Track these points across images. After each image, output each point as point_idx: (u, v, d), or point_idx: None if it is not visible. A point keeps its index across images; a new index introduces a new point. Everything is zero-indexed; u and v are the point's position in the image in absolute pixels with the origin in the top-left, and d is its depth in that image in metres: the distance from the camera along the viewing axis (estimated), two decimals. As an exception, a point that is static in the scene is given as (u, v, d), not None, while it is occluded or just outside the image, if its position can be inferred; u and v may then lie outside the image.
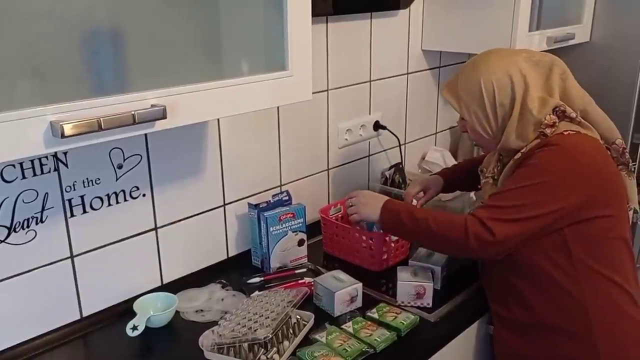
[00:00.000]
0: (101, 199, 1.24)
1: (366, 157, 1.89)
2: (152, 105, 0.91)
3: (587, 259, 1.18)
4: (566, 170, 1.15)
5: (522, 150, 1.21)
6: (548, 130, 1.19)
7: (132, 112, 0.87)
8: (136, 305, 1.26)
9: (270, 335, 1.12)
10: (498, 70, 1.22)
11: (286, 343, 1.16)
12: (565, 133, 1.18)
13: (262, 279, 1.44)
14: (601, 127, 1.25)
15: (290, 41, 1.09)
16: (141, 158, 1.29)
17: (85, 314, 1.27)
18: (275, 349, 1.13)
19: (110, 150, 1.23)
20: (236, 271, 1.49)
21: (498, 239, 1.14)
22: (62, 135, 0.80)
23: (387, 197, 1.36)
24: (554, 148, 1.16)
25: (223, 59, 1.05)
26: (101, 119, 0.84)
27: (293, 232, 1.50)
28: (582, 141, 1.18)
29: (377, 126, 1.87)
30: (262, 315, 1.18)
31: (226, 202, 1.50)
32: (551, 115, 1.20)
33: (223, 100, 1.02)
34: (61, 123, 0.80)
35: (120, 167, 1.26)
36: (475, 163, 1.50)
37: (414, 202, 1.52)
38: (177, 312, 1.29)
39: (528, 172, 1.17)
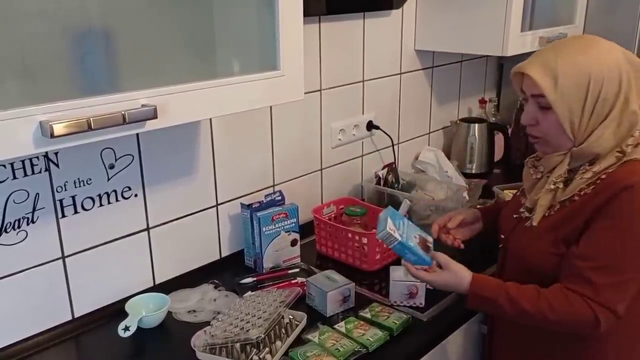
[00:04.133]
0: (93, 199, 1.24)
1: (359, 157, 1.89)
2: (143, 105, 0.91)
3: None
4: None
5: (594, 169, 1.10)
6: (629, 149, 1.09)
7: (122, 112, 0.87)
8: (128, 306, 1.26)
9: (263, 336, 1.12)
10: (609, 62, 1.07)
11: (278, 343, 1.16)
12: None
13: (255, 279, 1.44)
14: None
15: (281, 41, 1.09)
16: (133, 158, 1.29)
17: (77, 315, 1.26)
18: (267, 349, 1.13)
19: (102, 151, 1.23)
20: (229, 271, 1.49)
21: (620, 317, 1.08)
22: (52, 135, 0.80)
23: (468, 274, 1.17)
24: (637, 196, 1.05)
25: (214, 59, 1.05)
26: (91, 118, 0.83)
27: (286, 232, 1.50)
28: None
29: (370, 126, 1.87)
30: (255, 316, 1.18)
31: (219, 202, 1.50)
32: (638, 133, 1.09)
33: (214, 100, 1.02)
34: (51, 123, 0.80)
35: (111, 167, 1.25)
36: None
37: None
38: (169, 313, 1.29)
39: (629, 231, 1.06)
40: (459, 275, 1.17)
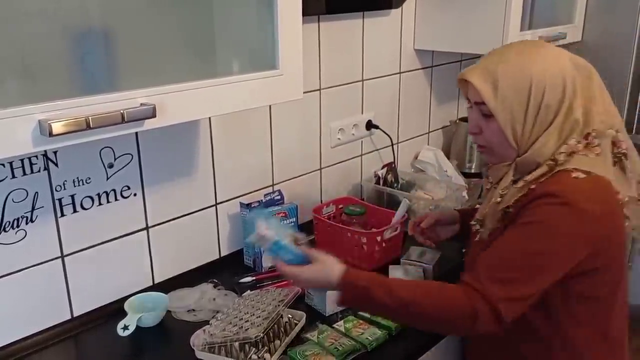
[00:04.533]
0: (92, 198, 1.24)
1: (359, 156, 1.89)
2: (142, 104, 0.91)
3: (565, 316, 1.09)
4: (576, 234, 1.00)
5: (526, 178, 1.06)
6: (561, 157, 1.04)
7: (121, 111, 0.87)
8: (127, 305, 1.26)
9: (262, 335, 1.12)
10: (553, 68, 1.04)
11: (277, 342, 1.16)
12: (573, 176, 1.02)
13: (254, 278, 1.44)
14: (632, 157, 1.10)
15: (280, 40, 1.09)
16: (132, 157, 1.29)
17: (76, 314, 1.26)
18: (266, 348, 1.13)
19: (101, 150, 1.23)
20: (228, 271, 1.49)
21: (506, 322, 0.99)
22: (51, 134, 0.80)
23: (340, 266, 1.08)
24: (561, 208, 0.99)
25: (213, 58, 1.05)
26: (89, 117, 0.83)
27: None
28: (592, 194, 1.01)
29: (370, 126, 1.87)
30: (254, 315, 1.18)
31: (218, 201, 1.50)
32: (574, 142, 1.05)
33: (213, 99, 1.02)
34: (49, 122, 0.80)
35: (111, 166, 1.25)
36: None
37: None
38: (168, 312, 1.29)
39: (533, 235, 1.01)
40: (329, 264, 1.08)
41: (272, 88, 1.11)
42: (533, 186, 1.05)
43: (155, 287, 1.38)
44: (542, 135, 1.06)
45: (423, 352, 1.22)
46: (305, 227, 1.61)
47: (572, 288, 1.06)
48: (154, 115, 0.91)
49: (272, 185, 1.63)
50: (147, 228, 1.35)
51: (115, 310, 1.28)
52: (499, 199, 1.10)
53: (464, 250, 1.23)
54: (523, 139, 1.07)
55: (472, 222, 1.18)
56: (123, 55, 0.92)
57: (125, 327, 1.19)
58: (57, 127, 0.81)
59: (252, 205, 1.48)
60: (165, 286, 1.38)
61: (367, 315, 1.26)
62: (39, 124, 0.81)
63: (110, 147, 1.24)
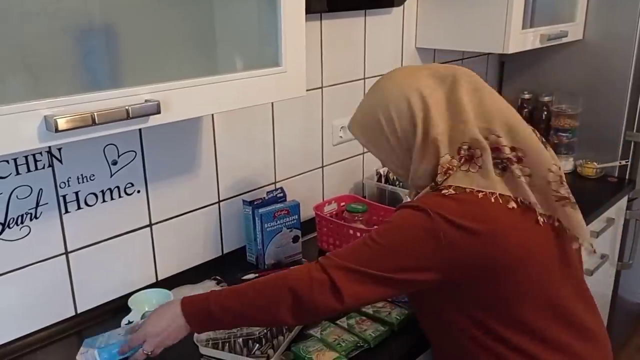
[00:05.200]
0: (96, 195, 1.24)
1: (360, 154, 1.89)
2: (146, 101, 0.91)
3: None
4: (422, 234, 0.96)
5: (414, 198, 1.05)
6: (440, 179, 1.00)
7: (126, 107, 0.88)
8: (131, 301, 1.26)
9: (265, 331, 1.13)
10: (395, 94, 1.03)
11: (281, 338, 1.16)
12: (442, 192, 0.98)
13: (257, 275, 1.45)
14: (531, 154, 1.00)
15: (284, 37, 1.10)
16: (135, 154, 1.29)
17: (80, 310, 1.27)
18: (269, 344, 1.14)
19: (105, 147, 1.23)
20: (231, 268, 1.49)
21: (342, 292, 0.96)
22: (56, 130, 0.81)
23: (175, 301, 1.04)
24: (412, 210, 0.98)
25: (217, 55, 1.06)
26: (95, 113, 0.84)
27: (288, 228, 1.51)
28: (455, 209, 0.96)
29: (372, 123, 1.87)
30: (257, 311, 1.18)
31: (221, 198, 1.50)
32: (450, 158, 0.99)
33: (217, 95, 1.03)
34: (55, 117, 0.81)
35: (114, 163, 1.26)
36: None
37: None
38: (172, 308, 1.30)
39: (378, 229, 1.01)
40: (167, 303, 1.06)
41: (275, 85, 1.12)
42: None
43: (158, 284, 1.38)
44: (412, 158, 1.04)
45: (426, 348, 1.22)
46: (308, 225, 1.62)
47: (466, 300, 1.02)
48: (158, 112, 0.92)
49: (275, 182, 1.63)
50: (150, 225, 1.36)
51: (119, 306, 1.28)
52: None
53: None
54: (406, 164, 1.07)
55: None
56: (127, 52, 0.92)
57: (130, 323, 1.19)
58: (62, 123, 0.81)
59: (255, 203, 1.49)
60: (169, 283, 1.39)
61: (370, 311, 1.26)
62: (45, 120, 0.81)
63: (114, 144, 1.25)
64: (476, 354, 1.05)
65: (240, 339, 1.13)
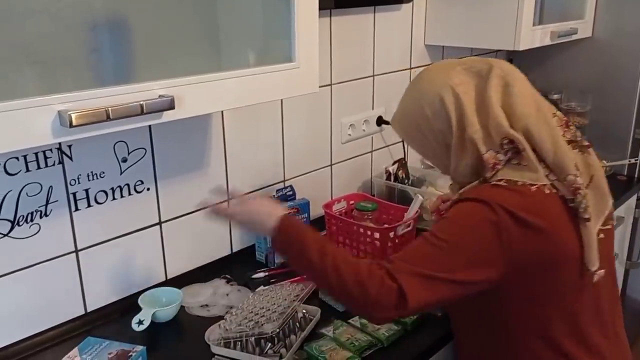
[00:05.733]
0: (106, 192, 1.23)
1: (369, 152, 1.88)
2: (160, 96, 0.90)
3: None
4: (483, 225, 0.95)
5: (460, 192, 1.04)
6: (488, 174, 0.99)
7: (141, 103, 0.86)
8: (141, 300, 1.25)
9: (278, 330, 1.11)
10: (429, 93, 1.03)
11: (293, 337, 1.15)
12: (492, 183, 0.98)
13: (267, 274, 1.44)
14: (549, 158, 0.99)
15: (297, 33, 1.09)
16: (145, 152, 1.28)
17: (89, 309, 1.26)
18: (282, 343, 1.13)
19: (115, 144, 1.22)
20: (240, 266, 1.48)
21: (408, 298, 0.92)
22: (71, 125, 0.80)
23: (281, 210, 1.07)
24: (472, 203, 0.97)
25: (230, 50, 1.05)
26: (109, 108, 0.83)
27: (297, 227, 1.49)
28: (510, 199, 0.95)
29: (380, 121, 1.86)
30: (269, 310, 1.17)
31: (230, 197, 1.48)
32: (494, 153, 0.99)
33: (230, 91, 1.01)
34: (69, 112, 0.79)
35: (124, 160, 1.25)
36: None
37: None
38: (182, 307, 1.29)
39: (441, 226, 0.99)
40: (271, 204, 1.08)
41: (288, 81, 1.10)
42: (455, 197, 1.04)
43: (167, 283, 1.37)
44: (451, 155, 1.04)
45: (440, 348, 1.21)
46: (316, 223, 1.61)
47: (506, 291, 1.00)
48: (172, 107, 0.91)
49: (284, 181, 1.62)
50: (160, 223, 1.35)
51: (128, 305, 1.27)
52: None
53: None
54: (445, 165, 1.08)
55: None
56: (140, 46, 0.91)
57: (140, 322, 1.18)
58: (77, 118, 0.80)
59: (265, 201, 1.47)
60: (178, 282, 1.37)
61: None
62: (59, 115, 0.80)
63: (124, 142, 1.23)
64: (517, 354, 1.04)
65: (253, 338, 1.12)
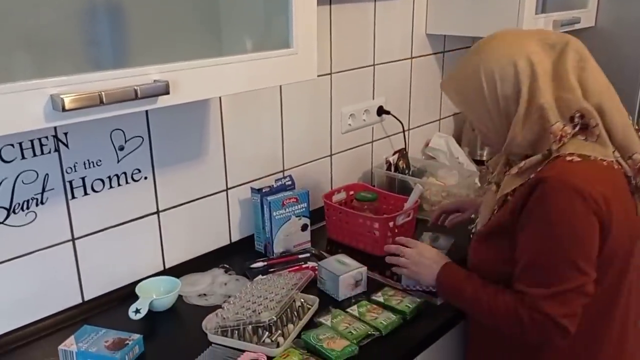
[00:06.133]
0: (102, 181, 1.22)
1: (369, 142, 1.87)
2: (155, 81, 0.89)
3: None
4: (585, 215, 0.96)
5: (520, 165, 1.04)
6: (555, 146, 1.00)
7: (135, 87, 0.85)
8: (139, 289, 1.24)
9: (275, 318, 1.11)
10: (502, 57, 1.02)
11: (291, 326, 1.14)
12: (567, 159, 0.99)
13: (266, 263, 1.43)
14: (618, 136, 1.01)
15: (295, 18, 1.07)
16: (142, 140, 1.27)
17: (87, 298, 1.25)
18: (279, 332, 1.12)
19: (112, 132, 1.21)
20: (239, 256, 1.47)
21: (561, 322, 0.97)
22: (63, 109, 0.78)
23: (445, 258, 1.18)
24: (561, 193, 0.96)
25: (227, 35, 1.03)
26: (103, 92, 0.82)
27: (296, 216, 1.49)
28: (588, 176, 0.97)
29: (381, 111, 1.85)
30: (267, 299, 1.17)
31: (229, 186, 1.48)
32: (562, 125, 0.99)
33: (226, 77, 1.00)
34: (62, 96, 0.78)
35: (121, 148, 1.24)
36: None
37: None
38: (179, 296, 1.28)
39: (552, 232, 0.97)
40: (432, 255, 1.19)
41: (286, 67, 1.09)
42: (532, 175, 1.01)
43: (166, 272, 1.36)
44: (512, 124, 1.03)
45: (438, 337, 1.20)
46: (316, 214, 1.60)
47: None
48: (167, 92, 0.89)
49: (283, 170, 1.61)
50: (157, 212, 1.34)
51: (126, 294, 1.27)
52: (493, 187, 1.12)
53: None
54: (498, 132, 1.06)
55: (473, 216, 1.20)
56: (136, 30, 0.90)
57: (137, 311, 1.18)
58: (70, 102, 0.79)
59: (264, 190, 1.46)
60: (176, 271, 1.37)
61: (381, 300, 1.24)
62: (52, 99, 0.79)
63: (120, 130, 1.22)
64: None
65: (250, 327, 1.11)
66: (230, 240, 1.52)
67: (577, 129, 1.00)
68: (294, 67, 1.10)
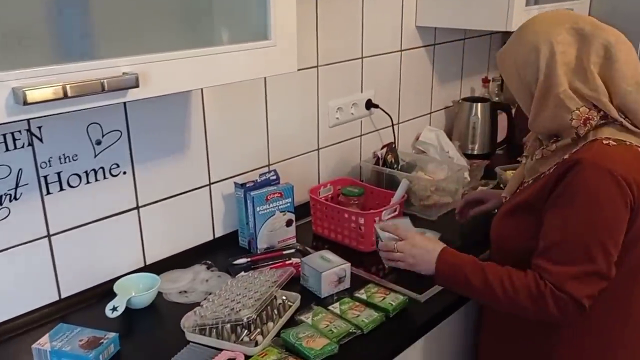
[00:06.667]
0: (79, 176, 1.20)
1: (358, 136, 1.84)
2: (124, 73, 0.86)
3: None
4: (615, 197, 0.98)
5: (550, 148, 1.07)
6: (582, 130, 1.02)
7: (101, 80, 0.82)
8: (117, 286, 1.22)
9: (254, 316, 1.09)
10: (528, 43, 1.06)
11: (270, 324, 1.12)
12: (604, 143, 1.01)
13: (249, 259, 1.40)
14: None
15: (273, 8, 1.04)
16: (121, 134, 1.24)
17: (64, 295, 1.23)
18: (259, 330, 1.10)
19: (88, 126, 1.18)
20: (222, 252, 1.45)
21: (583, 302, 0.99)
22: (25, 102, 0.76)
23: (440, 244, 1.17)
24: (594, 173, 0.98)
25: (202, 26, 1.00)
26: (67, 85, 0.79)
27: (281, 212, 1.46)
28: (624, 160, 1.00)
29: (370, 105, 1.82)
30: (246, 296, 1.14)
31: (212, 181, 1.45)
32: (585, 109, 1.02)
33: (200, 69, 0.97)
34: (24, 89, 0.76)
35: (98, 143, 1.21)
36: None
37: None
38: (159, 294, 1.26)
39: (580, 210, 1.00)
40: (429, 243, 1.17)
41: (264, 60, 1.06)
42: (566, 156, 1.04)
43: (146, 269, 1.34)
44: (532, 106, 1.09)
45: (421, 335, 1.18)
46: (302, 209, 1.58)
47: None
48: (136, 85, 0.87)
49: (268, 165, 1.58)
50: (137, 207, 1.31)
51: (105, 291, 1.24)
52: (524, 161, 1.18)
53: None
54: (528, 107, 1.12)
55: (503, 194, 1.23)
56: (105, 21, 0.87)
57: (114, 309, 1.16)
58: (32, 95, 0.76)
59: (247, 185, 1.44)
60: (157, 267, 1.34)
61: (363, 297, 1.22)
62: (13, 92, 0.76)
63: (97, 123, 1.20)
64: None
65: (228, 325, 1.09)
66: (214, 235, 1.50)
67: (601, 113, 1.02)
68: (272, 59, 1.07)
